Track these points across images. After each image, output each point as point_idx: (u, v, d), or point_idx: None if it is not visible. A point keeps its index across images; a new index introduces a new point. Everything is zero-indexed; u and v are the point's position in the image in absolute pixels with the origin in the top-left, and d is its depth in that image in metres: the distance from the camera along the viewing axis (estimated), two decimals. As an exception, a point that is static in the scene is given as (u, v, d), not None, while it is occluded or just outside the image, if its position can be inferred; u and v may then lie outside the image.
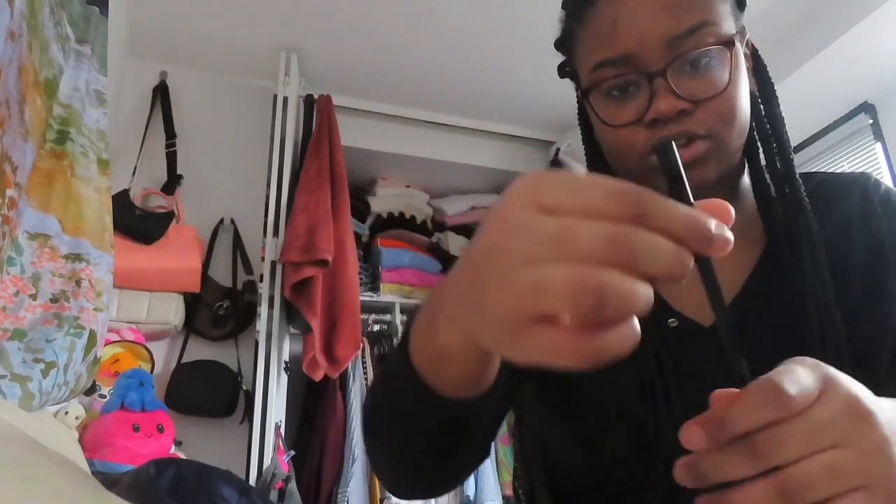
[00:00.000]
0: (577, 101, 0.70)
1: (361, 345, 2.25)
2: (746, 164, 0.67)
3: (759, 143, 0.65)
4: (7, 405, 0.91)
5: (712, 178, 0.59)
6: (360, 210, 2.70)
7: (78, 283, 1.18)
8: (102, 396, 1.60)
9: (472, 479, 2.25)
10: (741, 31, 0.62)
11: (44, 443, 0.67)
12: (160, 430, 1.52)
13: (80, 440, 1.40)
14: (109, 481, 0.96)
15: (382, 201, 2.76)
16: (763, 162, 0.65)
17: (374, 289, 2.56)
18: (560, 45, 0.68)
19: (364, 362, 2.33)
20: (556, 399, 0.65)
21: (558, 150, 2.76)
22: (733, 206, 0.66)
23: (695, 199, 0.34)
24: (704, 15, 0.57)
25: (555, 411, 0.66)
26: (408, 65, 2.47)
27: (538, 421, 0.68)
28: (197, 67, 2.47)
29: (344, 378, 2.23)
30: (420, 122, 2.72)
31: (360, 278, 2.45)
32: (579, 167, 2.65)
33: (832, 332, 0.56)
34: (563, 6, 0.67)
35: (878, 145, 2.25)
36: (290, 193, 2.18)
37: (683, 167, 0.52)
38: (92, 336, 1.18)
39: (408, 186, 2.85)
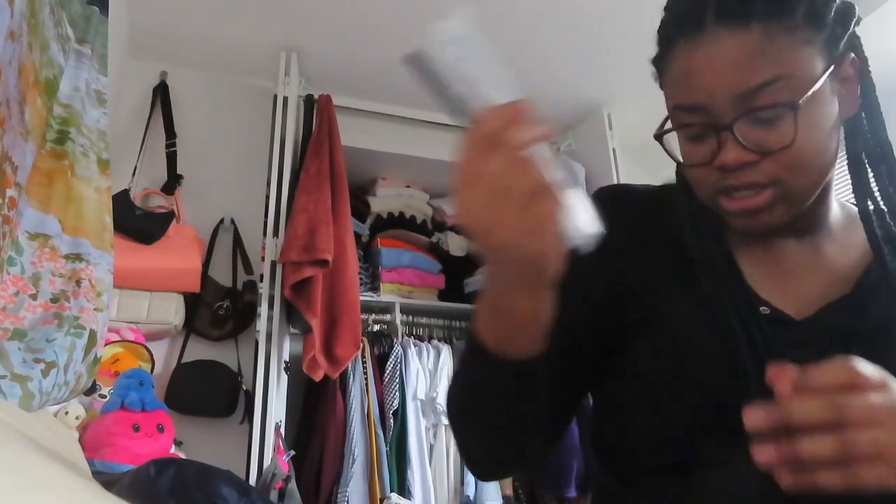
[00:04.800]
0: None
1: (361, 345, 2.25)
2: (851, 183, 0.67)
3: (866, 163, 0.66)
4: (7, 405, 0.91)
5: (783, 221, 0.62)
6: (360, 210, 2.70)
7: (78, 282, 1.18)
8: (102, 396, 1.60)
9: (472, 479, 2.25)
10: (838, 60, 0.62)
11: (43, 443, 0.67)
12: (160, 430, 1.52)
13: (80, 440, 1.40)
14: (109, 481, 0.96)
15: (382, 201, 2.75)
16: (872, 181, 0.66)
17: (374, 289, 2.56)
18: (654, 64, 0.70)
19: (364, 362, 2.32)
20: (641, 369, 0.67)
21: (558, 150, 2.76)
22: (822, 233, 0.69)
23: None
24: (777, 70, 0.57)
25: (633, 387, 0.68)
26: (408, 65, 2.46)
27: (614, 396, 0.71)
28: (197, 67, 2.47)
29: (344, 378, 2.22)
30: (420, 122, 2.72)
31: (360, 278, 2.44)
32: (579, 167, 2.65)
33: None
34: (658, 31, 0.68)
35: (878, 145, 2.24)
36: (290, 193, 2.18)
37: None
38: (92, 336, 1.18)
39: (408, 186, 2.84)
